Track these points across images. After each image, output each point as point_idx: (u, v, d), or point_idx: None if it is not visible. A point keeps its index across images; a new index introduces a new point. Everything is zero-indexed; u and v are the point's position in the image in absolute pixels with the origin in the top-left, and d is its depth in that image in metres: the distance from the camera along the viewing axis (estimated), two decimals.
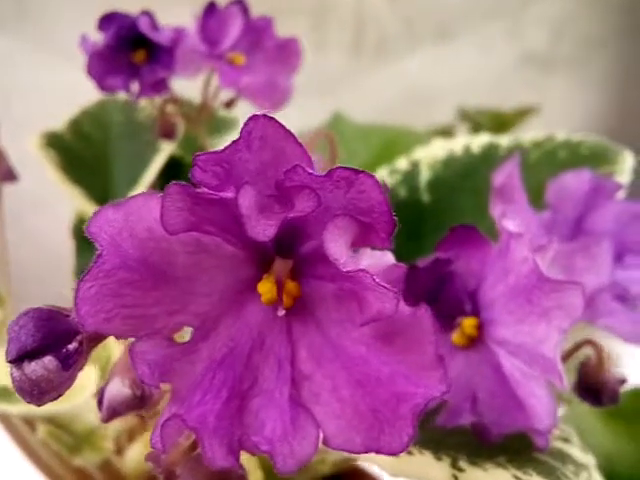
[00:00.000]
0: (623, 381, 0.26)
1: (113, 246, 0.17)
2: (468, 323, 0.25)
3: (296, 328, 0.18)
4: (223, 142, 0.59)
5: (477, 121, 1.45)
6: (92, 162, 0.55)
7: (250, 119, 0.17)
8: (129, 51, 0.46)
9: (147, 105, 0.59)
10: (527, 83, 1.52)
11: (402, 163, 0.42)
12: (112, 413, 0.22)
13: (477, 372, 0.24)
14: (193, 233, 0.18)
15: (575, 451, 0.24)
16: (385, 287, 0.16)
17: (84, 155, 0.55)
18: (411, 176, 0.41)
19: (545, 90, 1.51)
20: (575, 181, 0.32)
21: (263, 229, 0.16)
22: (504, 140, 0.42)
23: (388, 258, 0.19)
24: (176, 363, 0.18)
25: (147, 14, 0.45)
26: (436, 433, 0.23)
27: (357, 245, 0.18)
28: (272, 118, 0.17)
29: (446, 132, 1.50)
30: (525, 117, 1.47)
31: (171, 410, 0.17)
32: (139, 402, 0.22)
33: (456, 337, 0.25)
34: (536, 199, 0.39)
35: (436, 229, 0.40)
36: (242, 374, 0.18)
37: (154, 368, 0.17)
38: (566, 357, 0.27)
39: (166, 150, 0.51)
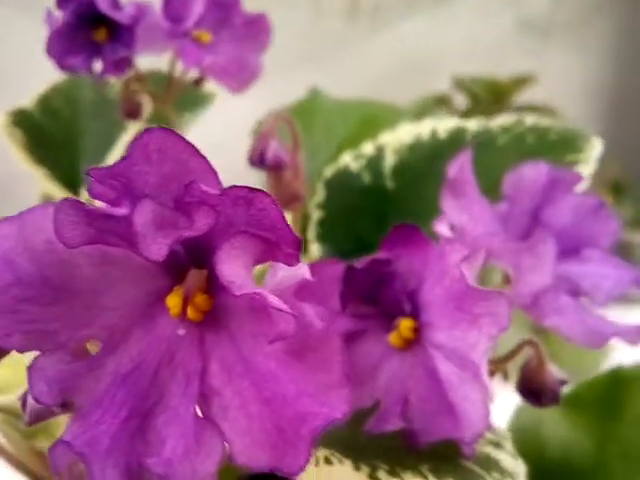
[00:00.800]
0: (563, 382, 0.25)
1: (5, 262, 0.16)
2: (405, 325, 0.24)
3: (209, 341, 0.18)
4: (196, 118, 0.58)
5: (473, 91, 1.43)
6: (60, 141, 0.54)
7: (144, 133, 0.16)
8: (90, 29, 0.45)
9: (118, 82, 0.57)
10: (525, 48, 1.49)
11: (368, 148, 0.41)
12: (36, 418, 0.22)
13: (412, 375, 0.24)
14: (97, 245, 0.17)
15: (505, 457, 0.24)
16: (283, 309, 0.16)
17: (53, 133, 0.54)
18: (376, 161, 0.40)
19: (543, 56, 1.48)
20: (532, 173, 0.31)
21: (157, 248, 0.16)
22: (472, 124, 0.41)
23: (302, 271, 0.18)
24: (80, 379, 0.17)
25: None
26: (363, 438, 0.23)
27: (264, 261, 0.17)
28: (170, 131, 0.16)
29: (443, 101, 1.47)
30: (522, 86, 1.44)
31: (70, 429, 0.17)
32: (63, 407, 0.22)
33: (393, 338, 0.24)
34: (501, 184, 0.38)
35: (401, 215, 0.39)
36: (147, 390, 0.17)
37: (53, 385, 0.17)
38: (510, 357, 0.26)
39: (132, 130, 0.50)
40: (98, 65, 0.45)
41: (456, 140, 0.40)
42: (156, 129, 0.16)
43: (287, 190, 0.38)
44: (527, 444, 0.34)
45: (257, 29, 0.48)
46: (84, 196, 0.49)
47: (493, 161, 0.39)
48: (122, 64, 0.44)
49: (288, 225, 0.16)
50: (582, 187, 0.32)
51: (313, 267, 0.26)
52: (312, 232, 0.38)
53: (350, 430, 0.22)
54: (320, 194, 0.39)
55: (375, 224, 0.39)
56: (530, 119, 0.40)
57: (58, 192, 0.49)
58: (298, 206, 0.39)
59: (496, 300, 0.21)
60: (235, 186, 0.16)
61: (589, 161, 0.37)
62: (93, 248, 0.17)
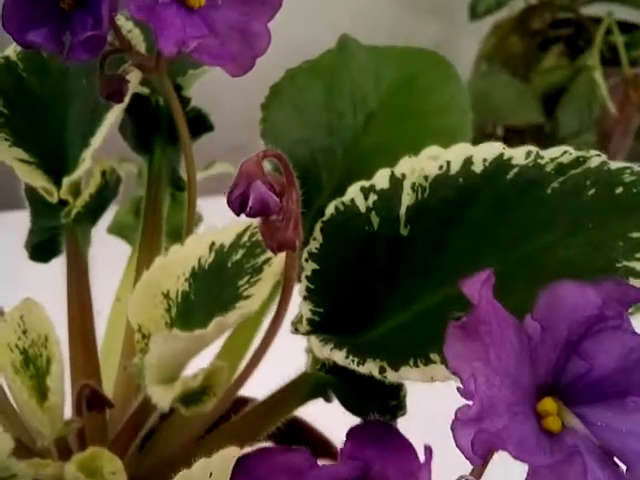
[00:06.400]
0: None
1: None
2: None
3: None
4: (194, 79, 0.50)
5: None
6: (45, 107, 0.47)
7: None
8: None
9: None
10: None
11: (382, 178, 0.33)
12: None
13: None
14: None
15: None
16: None
17: (37, 95, 0.47)
18: (390, 199, 0.32)
19: None
20: (574, 298, 0.23)
21: None
22: (518, 155, 0.32)
23: None
24: None
25: None
26: None
27: None
28: None
29: None
30: None
31: None
32: None
33: None
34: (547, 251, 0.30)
35: (415, 273, 0.32)
36: None
37: None
38: None
39: (117, 109, 0.43)
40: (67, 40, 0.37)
41: (494, 177, 0.32)
42: None
43: (277, 237, 0.31)
44: None
45: None
46: (66, 187, 0.43)
47: (538, 216, 0.30)
48: (94, 43, 0.36)
49: None
50: None
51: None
52: (302, 288, 0.32)
53: None
54: (316, 241, 0.32)
55: (382, 283, 0.32)
56: (597, 158, 0.30)
57: (39, 181, 0.43)
58: (291, 254, 0.32)
59: None
60: None
61: None
62: None
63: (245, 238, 0.38)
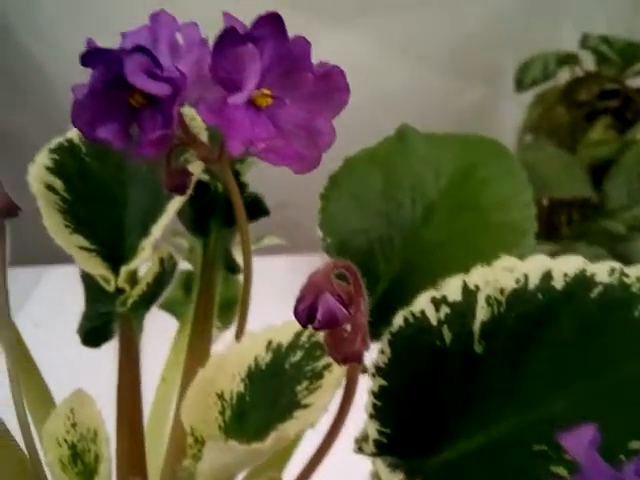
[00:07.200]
0: None
1: None
2: None
3: None
4: (251, 165, 0.49)
5: (602, 52, 1.23)
6: (106, 191, 0.47)
7: None
8: (124, 92, 0.36)
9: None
10: None
11: (454, 289, 0.31)
12: None
13: None
14: None
15: None
16: None
17: (98, 178, 0.48)
18: (463, 313, 0.31)
19: None
20: None
21: None
22: (601, 271, 0.30)
23: None
24: None
25: (142, 50, 0.35)
26: None
27: None
28: None
29: (567, 61, 1.28)
30: None
31: None
32: None
33: None
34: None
35: (491, 396, 0.30)
36: None
37: None
38: None
39: (179, 200, 0.43)
40: (135, 133, 0.38)
41: (577, 295, 0.30)
42: None
43: (343, 349, 0.30)
44: None
45: (331, 86, 0.38)
46: (123, 276, 0.43)
47: (627, 341, 0.28)
48: (163, 141, 0.36)
49: None
50: None
51: None
52: (368, 404, 0.30)
53: None
54: (384, 355, 0.31)
55: (455, 403, 0.30)
56: None
57: (98, 269, 0.42)
58: (354, 366, 0.31)
59: None
60: None
61: None
62: None
63: (304, 338, 0.37)
